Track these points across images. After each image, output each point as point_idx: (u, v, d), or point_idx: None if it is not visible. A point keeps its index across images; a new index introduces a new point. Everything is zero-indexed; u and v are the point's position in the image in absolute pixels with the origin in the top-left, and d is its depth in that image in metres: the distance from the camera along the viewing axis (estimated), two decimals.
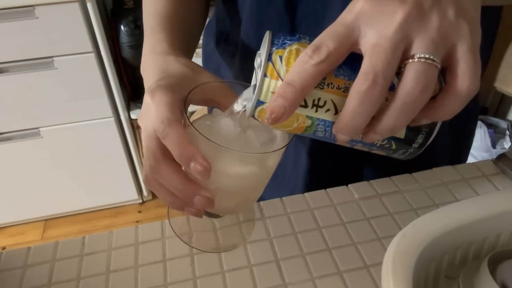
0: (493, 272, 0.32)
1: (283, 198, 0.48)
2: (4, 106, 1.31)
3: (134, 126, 1.51)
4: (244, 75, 0.55)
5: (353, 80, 0.27)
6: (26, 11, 1.15)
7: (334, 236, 0.44)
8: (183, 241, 0.43)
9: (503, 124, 1.55)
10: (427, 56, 0.26)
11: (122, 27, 1.36)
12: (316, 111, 0.30)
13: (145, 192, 1.71)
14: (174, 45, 0.42)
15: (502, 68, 1.34)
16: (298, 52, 0.29)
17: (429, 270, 0.34)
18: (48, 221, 1.66)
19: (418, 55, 0.26)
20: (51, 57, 1.25)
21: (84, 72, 1.30)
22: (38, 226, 1.65)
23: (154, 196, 1.75)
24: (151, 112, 0.33)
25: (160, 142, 0.33)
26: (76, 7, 1.17)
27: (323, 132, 0.31)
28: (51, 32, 1.20)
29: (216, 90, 0.37)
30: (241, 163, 0.34)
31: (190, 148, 0.32)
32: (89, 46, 1.25)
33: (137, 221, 1.67)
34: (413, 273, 0.29)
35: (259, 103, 0.29)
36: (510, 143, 1.47)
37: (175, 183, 0.34)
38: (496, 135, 1.50)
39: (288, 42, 0.29)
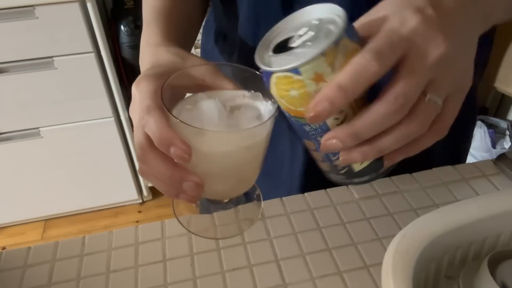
0: (493, 272, 0.32)
1: (283, 198, 0.48)
2: (4, 106, 1.31)
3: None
4: None
5: (366, 101, 0.28)
6: (26, 11, 1.15)
7: (334, 236, 0.44)
8: (183, 226, 0.43)
9: (503, 124, 1.55)
10: (438, 102, 0.27)
11: (122, 27, 1.36)
12: None
13: (145, 192, 1.71)
14: (167, 37, 0.42)
15: (502, 68, 1.34)
16: (355, 53, 0.26)
17: (429, 270, 0.34)
18: (48, 221, 1.66)
19: (430, 97, 0.27)
20: (51, 57, 1.25)
21: (84, 72, 1.30)
22: (38, 226, 1.65)
23: (154, 196, 1.75)
24: (136, 102, 0.33)
25: (145, 131, 0.33)
26: (76, 7, 1.18)
27: (312, 130, 0.30)
28: (51, 32, 1.20)
29: (205, 74, 0.37)
30: (222, 144, 0.33)
31: (168, 133, 0.31)
32: (89, 46, 1.26)
33: (137, 221, 1.67)
34: (413, 273, 0.29)
35: (293, 70, 0.26)
36: (510, 143, 1.47)
37: (162, 171, 0.33)
38: (496, 135, 1.50)
39: (356, 39, 0.27)
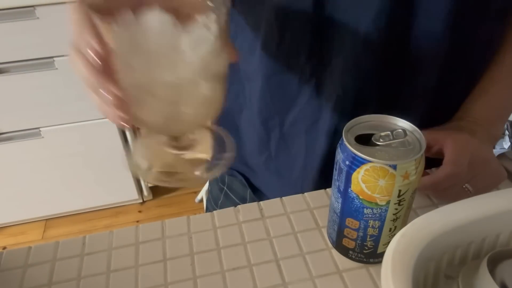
0: (492, 271, 0.32)
1: (283, 198, 0.48)
2: (5, 106, 1.31)
3: (135, 125, 1.51)
4: (264, 69, 0.52)
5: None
6: (26, 11, 1.15)
7: None
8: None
9: None
10: (471, 190, 0.45)
11: None
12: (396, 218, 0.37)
13: (145, 192, 1.71)
14: None
15: None
16: (423, 159, 0.35)
17: (429, 269, 0.34)
18: (48, 221, 1.67)
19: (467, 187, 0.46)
20: (52, 57, 1.25)
21: None
22: (38, 225, 1.65)
23: (154, 195, 1.75)
24: None
25: None
26: None
27: (369, 214, 0.36)
28: (51, 32, 1.20)
29: None
30: (148, 52, 0.29)
31: (84, 30, 0.29)
32: None
33: (137, 221, 1.67)
34: (413, 272, 0.29)
35: (392, 165, 0.33)
36: (509, 143, 1.47)
37: (84, 74, 0.30)
38: None
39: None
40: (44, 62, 1.25)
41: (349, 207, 0.37)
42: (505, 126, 1.53)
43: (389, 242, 0.31)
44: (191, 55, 0.30)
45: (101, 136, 1.45)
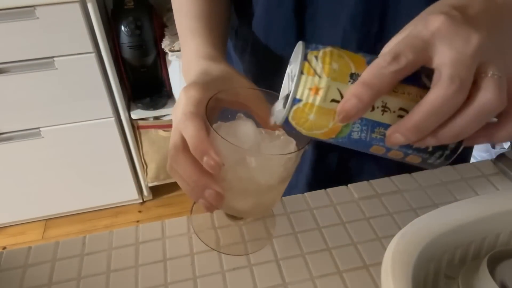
0: (492, 271, 0.32)
1: (283, 198, 0.48)
2: (5, 106, 1.31)
3: (135, 126, 1.51)
4: (254, 69, 0.56)
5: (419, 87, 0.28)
6: (26, 11, 1.15)
7: (334, 236, 0.44)
8: (205, 243, 0.43)
9: None
10: (500, 75, 0.27)
11: (122, 27, 1.36)
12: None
13: (145, 192, 1.71)
14: (215, 48, 0.45)
15: None
16: (332, 53, 0.29)
17: (429, 269, 0.34)
18: (48, 221, 1.67)
19: (492, 72, 0.27)
20: (52, 57, 1.25)
21: (85, 72, 1.30)
22: (38, 226, 1.65)
23: (154, 196, 1.75)
24: (180, 105, 0.36)
25: (181, 134, 0.35)
26: (76, 7, 1.18)
27: (360, 133, 0.30)
28: (51, 32, 1.20)
29: (249, 98, 0.39)
30: (251, 166, 0.35)
31: (205, 143, 0.33)
32: (89, 47, 1.26)
33: (137, 221, 1.67)
34: (413, 272, 0.29)
35: (295, 101, 0.29)
36: (509, 143, 1.47)
37: (189, 174, 0.35)
38: None
39: (321, 46, 0.30)
40: (44, 62, 1.25)
41: (351, 145, 0.32)
42: None
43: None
44: (279, 161, 0.36)
45: (101, 136, 1.45)
